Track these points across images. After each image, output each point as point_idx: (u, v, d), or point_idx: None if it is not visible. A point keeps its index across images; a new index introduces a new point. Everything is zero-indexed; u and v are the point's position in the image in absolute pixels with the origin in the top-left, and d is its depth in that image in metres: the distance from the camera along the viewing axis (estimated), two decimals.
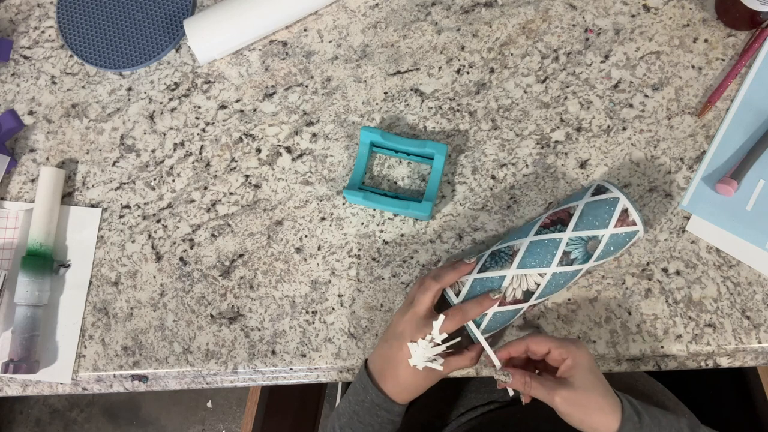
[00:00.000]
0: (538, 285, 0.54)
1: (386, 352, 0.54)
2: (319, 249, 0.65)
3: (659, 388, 0.71)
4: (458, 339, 0.53)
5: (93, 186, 0.71)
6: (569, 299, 0.60)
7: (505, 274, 0.54)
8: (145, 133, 0.71)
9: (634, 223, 0.54)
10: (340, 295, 0.64)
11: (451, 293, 0.55)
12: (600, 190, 0.56)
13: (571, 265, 0.54)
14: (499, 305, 0.54)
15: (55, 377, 0.66)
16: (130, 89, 0.73)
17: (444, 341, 0.53)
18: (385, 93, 0.68)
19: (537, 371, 0.54)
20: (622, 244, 0.55)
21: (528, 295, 0.54)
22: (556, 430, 0.52)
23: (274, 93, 0.70)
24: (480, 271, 0.55)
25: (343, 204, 0.66)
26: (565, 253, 0.54)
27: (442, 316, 0.52)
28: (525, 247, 0.54)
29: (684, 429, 0.49)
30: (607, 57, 0.66)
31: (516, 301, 0.54)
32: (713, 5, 0.66)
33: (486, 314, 0.54)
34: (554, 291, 0.55)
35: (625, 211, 0.54)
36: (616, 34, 0.67)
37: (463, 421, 0.68)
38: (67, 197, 0.71)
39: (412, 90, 0.68)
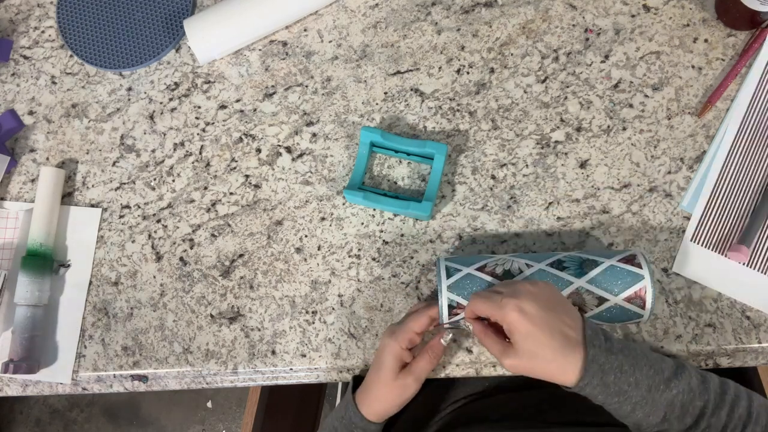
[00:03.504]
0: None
1: (370, 373, 0.57)
2: (319, 249, 0.65)
3: None
4: (462, 317, 0.54)
5: (93, 186, 0.71)
6: None
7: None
8: (145, 133, 0.71)
9: (643, 306, 0.52)
10: (340, 295, 0.64)
11: (443, 274, 0.54)
12: (631, 259, 0.53)
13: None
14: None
15: (55, 377, 0.66)
16: (130, 89, 0.73)
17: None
18: (385, 93, 0.68)
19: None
20: (621, 319, 0.53)
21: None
22: (543, 409, 0.52)
23: (274, 93, 0.70)
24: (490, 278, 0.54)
25: (343, 204, 0.66)
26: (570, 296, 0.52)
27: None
28: (534, 271, 0.53)
29: (666, 370, 0.46)
30: (607, 57, 0.66)
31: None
32: (713, 5, 0.66)
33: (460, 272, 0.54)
34: None
35: (641, 290, 0.51)
36: (616, 34, 0.67)
37: (456, 407, 0.68)
38: (67, 197, 0.71)
39: (412, 90, 0.68)
